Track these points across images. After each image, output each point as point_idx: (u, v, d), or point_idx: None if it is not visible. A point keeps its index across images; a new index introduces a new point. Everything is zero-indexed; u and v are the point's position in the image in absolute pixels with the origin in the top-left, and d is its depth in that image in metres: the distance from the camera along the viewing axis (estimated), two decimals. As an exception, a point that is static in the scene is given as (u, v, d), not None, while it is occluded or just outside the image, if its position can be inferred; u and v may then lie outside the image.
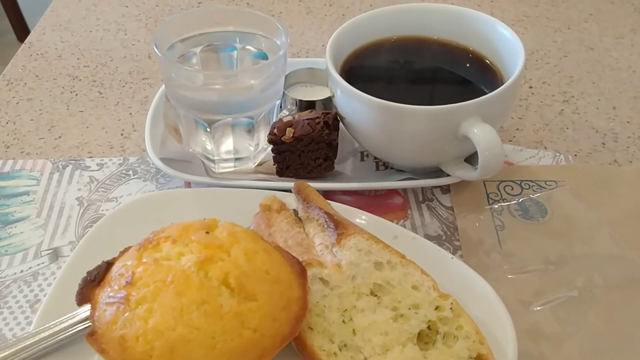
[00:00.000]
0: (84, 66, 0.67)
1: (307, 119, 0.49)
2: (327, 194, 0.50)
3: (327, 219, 0.43)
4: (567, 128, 0.60)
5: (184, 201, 0.48)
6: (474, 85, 0.50)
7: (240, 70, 0.50)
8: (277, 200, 0.46)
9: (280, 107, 0.56)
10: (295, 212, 0.46)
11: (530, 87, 0.65)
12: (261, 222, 0.44)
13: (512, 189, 0.53)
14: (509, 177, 0.53)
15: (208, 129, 0.50)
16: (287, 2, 0.79)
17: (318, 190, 0.48)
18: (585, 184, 0.53)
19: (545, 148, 0.57)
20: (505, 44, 0.49)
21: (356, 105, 0.47)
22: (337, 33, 0.51)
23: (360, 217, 0.46)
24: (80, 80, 0.65)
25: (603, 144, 0.58)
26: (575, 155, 0.57)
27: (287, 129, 0.49)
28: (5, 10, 2.05)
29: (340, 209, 0.46)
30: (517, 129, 0.59)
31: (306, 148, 0.49)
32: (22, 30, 2.08)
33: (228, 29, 0.53)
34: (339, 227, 0.42)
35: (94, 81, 0.65)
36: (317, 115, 0.50)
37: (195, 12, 0.52)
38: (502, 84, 0.49)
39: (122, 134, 0.58)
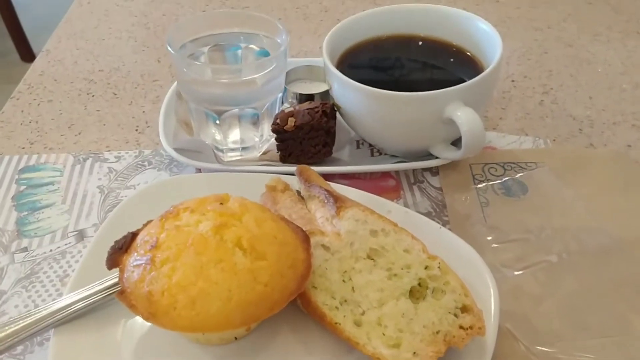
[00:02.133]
0: (99, 70, 0.73)
1: (307, 109, 0.54)
2: (326, 179, 0.54)
3: (326, 195, 0.47)
4: (547, 117, 0.65)
5: (196, 184, 0.52)
6: (457, 75, 0.55)
7: (245, 65, 0.55)
8: (281, 182, 0.50)
9: (282, 101, 0.61)
10: (298, 192, 0.51)
11: (513, 80, 0.70)
12: (267, 200, 0.49)
13: (496, 170, 0.57)
14: (492, 160, 0.58)
15: (217, 121, 0.55)
16: (285, 9, 0.85)
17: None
18: (563, 165, 0.57)
19: (526, 134, 0.62)
20: (485, 38, 0.55)
21: (351, 95, 0.52)
22: (332, 32, 0.56)
23: (358, 195, 0.50)
24: (95, 83, 0.70)
25: (580, 129, 0.63)
26: (554, 140, 0.61)
27: (289, 118, 0.54)
28: (9, 31, 2.12)
29: (339, 188, 0.51)
30: (500, 118, 0.64)
31: (306, 135, 0.54)
32: (25, 50, 2.14)
33: (233, 30, 0.58)
34: (338, 201, 0.46)
35: (109, 83, 0.70)
36: (315, 105, 0.55)
37: (203, 15, 0.57)
38: (482, 70, 0.54)
39: (136, 130, 0.63)
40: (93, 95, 0.68)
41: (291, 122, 0.54)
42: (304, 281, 0.39)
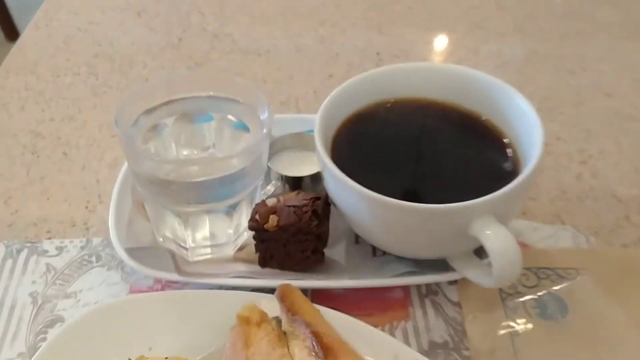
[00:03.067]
0: (49, 120, 0.61)
1: (294, 206, 0.43)
2: (316, 292, 0.44)
3: (314, 343, 0.36)
4: (587, 197, 0.53)
5: (151, 307, 0.41)
6: (487, 168, 0.44)
7: (218, 159, 0.43)
8: (257, 311, 0.39)
9: (265, 173, 0.49)
10: (279, 320, 0.40)
11: (546, 144, 0.59)
12: (238, 340, 0.38)
13: (528, 279, 0.46)
14: (524, 264, 0.47)
15: (179, 215, 0.44)
16: (275, 38, 0.73)
17: (306, 290, 0.42)
18: (610, 273, 0.46)
19: (563, 223, 0.51)
20: (522, 119, 0.43)
21: (350, 197, 0.40)
22: (326, 104, 0.44)
23: (356, 330, 0.39)
24: (44, 138, 0.59)
25: (627, 217, 0.51)
26: (597, 232, 0.50)
27: (271, 216, 0.43)
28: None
29: (331, 316, 0.40)
30: (531, 199, 0.53)
31: (292, 238, 0.43)
32: (9, 29, 2.01)
33: (202, 95, 0.46)
34: (329, 355, 0.35)
35: (59, 138, 0.58)
36: (304, 201, 0.43)
37: (162, 78, 0.46)
38: (518, 165, 0.42)
39: (86, 207, 0.52)
40: (38, 156, 0.57)
41: (273, 220, 0.43)
42: None
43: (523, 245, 0.49)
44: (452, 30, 0.75)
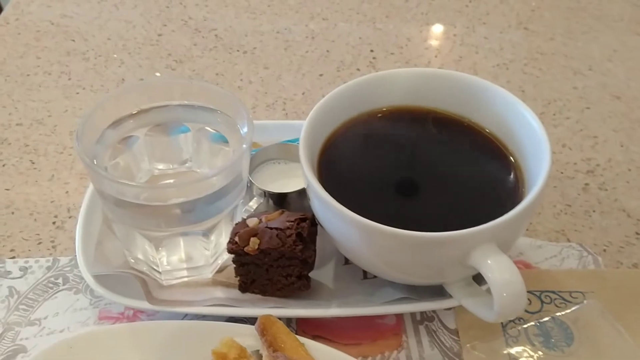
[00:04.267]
0: (17, 124, 0.56)
1: (276, 229, 0.39)
2: (301, 321, 0.40)
3: (297, 386, 0.33)
4: (594, 211, 0.50)
5: (120, 341, 0.37)
6: (489, 187, 0.40)
7: (193, 181, 0.39)
8: (234, 346, 0.36)
9: (247, 185, 0.45)
10: (260, 355, 0.37)
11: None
12: (213, 381, 0.35)
13: (530, 303, 0.43)
14: (527, 287, 0.44)
15: (150, 239, 0.40)
16: (262, 34, 0.68)
17: (290, 320, 0.39)
18: (619, 297, 0.43)
19: (569, 240, 0.47)
20: (529, 134, 0.39)
21: (337, 221, 0.36)
22: (312, 116, 0.40)
23: (342, 366, 0.36)
24: (10, 144, 0.54)
25: (637, 233, 0.48)
26: (604, 250, 0.47)
27: (252, 238, 0.39)
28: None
29: (317, 350, 0.37)
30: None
31: (275, 263, 0.39)
32: None
33: (174, 103, 0.42)
34: (313, 401, 0.32)
35: (27, 145, 0.54)
36: (288, 222, 0.39)
37: (131, 85, 0.42)
38: (523, 185, 0.39)
39: (54, 223, 0.48)
40: (4, 165, 0.53)
41: (254, 243, 0.39)
42: None
43: (525, 266, 0.45)
44: (451, 26, 0.70)
